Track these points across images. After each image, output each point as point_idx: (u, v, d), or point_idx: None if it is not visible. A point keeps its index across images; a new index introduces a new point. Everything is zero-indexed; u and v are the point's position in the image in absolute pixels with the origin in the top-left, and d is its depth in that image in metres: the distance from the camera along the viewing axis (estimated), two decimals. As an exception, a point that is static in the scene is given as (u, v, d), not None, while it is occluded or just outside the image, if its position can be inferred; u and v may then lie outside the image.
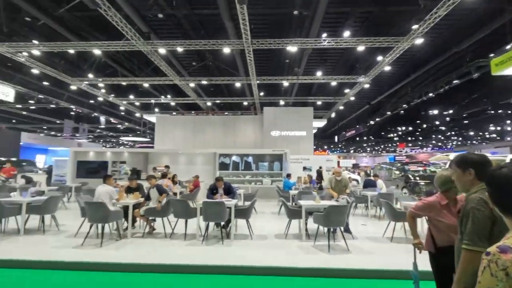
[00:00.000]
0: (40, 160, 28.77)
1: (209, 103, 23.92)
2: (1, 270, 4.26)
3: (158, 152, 13.81)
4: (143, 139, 32.06)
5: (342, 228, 5.58)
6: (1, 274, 4.11)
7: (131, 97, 21.62)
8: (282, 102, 23.10)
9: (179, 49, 14.17)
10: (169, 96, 22.35)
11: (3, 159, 15.84)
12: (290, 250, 5.12)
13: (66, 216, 7.64)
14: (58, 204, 6.19)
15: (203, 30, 14.47)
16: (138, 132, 34.12)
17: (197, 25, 13.94)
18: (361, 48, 12.48)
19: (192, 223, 6.28)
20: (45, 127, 34.23)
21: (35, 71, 15.68)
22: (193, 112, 25.02)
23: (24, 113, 27.60)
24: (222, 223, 5.86)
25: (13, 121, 32.09)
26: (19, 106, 22.90)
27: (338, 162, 27.34)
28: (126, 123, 28.06)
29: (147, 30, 13.55)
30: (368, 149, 57.23)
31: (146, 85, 18.61)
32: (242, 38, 12.28)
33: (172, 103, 23.60)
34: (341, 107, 23.77)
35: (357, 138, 40.21)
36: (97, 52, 14.27)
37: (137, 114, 25.33)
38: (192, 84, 18.87)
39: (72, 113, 28.97)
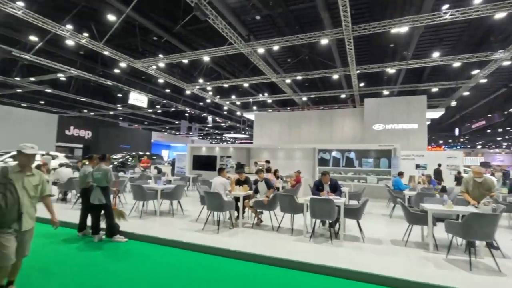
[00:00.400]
0: (165, 154, 34.64)
1: (304, 98, 23.60)
2: (143, 244, 5.15)
3: (258, 148, 14.45)
4: (243, 135, 34.41)
5: (485, 242, 4.43)
6: (142, 247, 4.97)
7: (233, 97, 23.38)
8: (386, 92, 20.71)
9: (275, 48, 14.41)
10: (266, 94, 23.14)
11: (141, 153, 19.81)
12: (414, 261, 4.37)
13: (187, 202, 8.77)
14: (182, 192, 7.14)
15: (298, 25, 14.27)
16: (238, 130, 36.86)
17: (292, 21, 13.83)
18: (501, 15, 9.79)
19: (298, 219, 6.19)
20: (167, 127, 41.00)
21: (160, 80, 18.70)
22: (288, 108, 25.22)
23: (153, 116, 33.71)
24: (330, 222, 5.53)
25: (145, 123, 39.73)
26: (150, 110, 27.94)
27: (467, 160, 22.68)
28: (229, 122, 30.65)
29: (247, 33, 14.32)
30: (505, 144, 45.32)
31: (246, 85, 19.75)
32: (342, 26, 11.47)
33: (269, 100, 24.34)
34: (466, 93, 19.55)
35: (488, 130, 32.45)
36: (206, 58, 15.91)
37: (238, 113, 27.29)
38: (288, 80, 18.96)
39: (187, 114, 33.63)
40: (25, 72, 20.24)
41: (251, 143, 30.37)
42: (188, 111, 27.27)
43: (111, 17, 13.76)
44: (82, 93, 25.12)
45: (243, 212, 6.55)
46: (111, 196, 5.38)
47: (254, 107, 26.13)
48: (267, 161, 12.19)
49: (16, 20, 15.98)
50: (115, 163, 14.75)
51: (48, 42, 15.70)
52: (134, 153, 16.62)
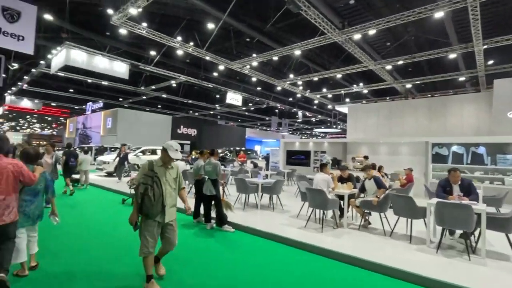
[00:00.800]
0: (257, 150, 36.34)
1: (408, 85, 20.61)
2: (248, 235, 5.27)
3: (356, 142, 13.32)
4: (334, 130, 32.80)
5: None
6: (248, 238, 5.07)
7: (324, 90, 22.41)
8: (526, 70, 16.04)
9: (371, 32, 12.93)
10: (361, 84, 21.26)
11: (237, 148, 21.25)
12: None
13: (284, 197, 8.73)
14: (282, 187, 7.10)
15: (398, 3, 12.38)
16: (329, 124, 35.34)
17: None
18: None
19: (417, 225, 5.28)
20: (259, 123, 42.82)
21: (253, 79, 19.44)
22: (387, 98, 22.56)
23: (246, 113, 35.70)
24: (465, 232, 4.46)
25: (239, 120, 42.53)
26: (244, 108, 29.62)
27: None
28: (319, 116, 29.66)
29: (340, 20, 13.33)
30: None
31: (339, 76, 18.55)
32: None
33: (365, 91, 22.30)
34: None
35: None
36: (297, 52, 15.61)
37: (329, 106, 26.07)
38: (388, 67, 16.85)
39: (277, 110, 34.28)
40: (147, 82, 24.40)
41: (343, 137, 28.62)
42: (279, 107, 27.65)
43: (210, 25, 15.05)
44: (188, 96, 28.68)
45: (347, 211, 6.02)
46: (220, 188, 5.74)
47: (347, 99, 24.43)
48: (365, 157, 11.09)
49: (141, 40, 19.37)
50: None
51: (163, 55, 18.36)
52: (231, 149, 17.95)
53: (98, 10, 18.26)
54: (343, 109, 22.99)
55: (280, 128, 34.38)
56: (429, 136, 13.18)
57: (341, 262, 4.15)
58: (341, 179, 6.22)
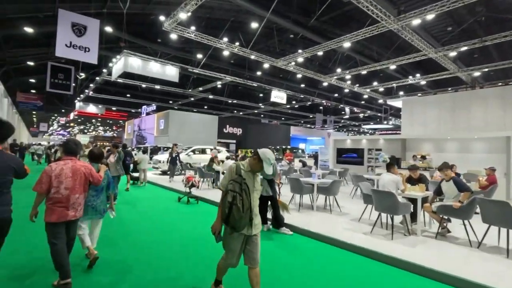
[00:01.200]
0: (301, 148, 35.55)
1: (476, 73, 18.20)
2: (307, 239, 4.91)
3: (417, 138, 12.00)
4: (384, 125, 30.56)
5: None
6: (307, 242, 4.71)
7: (375, 83, 20.89)
8: None
9: (430, 17, 11.54)
10: (418, 75, 19.35)
11: (284, 147, 20.94)
12: None
13: (339, 198, 8.17)
14: (339, 187, 6.59)
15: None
16: (378, 120, 33.06)
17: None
18: None
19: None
20: (302, 121, 41.87)
21: (298, 76, 18.88)
22: (449, 89, 20.21)
23: (289, 111, 35.13)
24: None
25: (282, 118, 42.08)
26: (288, 106, 29.11)
27: None
28: (368, 111, 27.88)
29: (394, 7, 12.18)
30: None
31: (393, 67, 17.08)
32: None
33: (422, 82, 20.27)
34: None
35: None
36: (346, 45, 14.70)
37: (380, 101, 24.29)
38: (453, 53, 14.99)
39: (321, 107, 33.12)
40: (195, 84, 25.33)
41: (394, 133, 26.47)
42: (324, 103, 26.60)
43: (254, 25, 14.96)
44: (232, 97, 29.14)
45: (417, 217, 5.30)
46: (276, 188, 5.47)
47: (401, 92, 22.48)
48: (423, 157, 9.95)
49: (188, 45, 20.14)
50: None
51: (209, 57, 18.80)
52: (278, 147, 17.62)
53: (150, 19, 19.42)
54: (396, 103, 21.15)
55: (325, 126, 33.13)
56: (505, 130, 11.34)
57: (417, 274, 3.58)
58: (410, 180, 5.51)
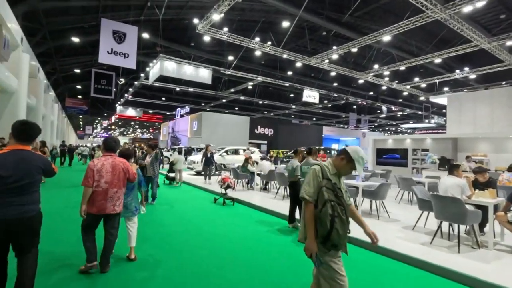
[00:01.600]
0: (334, 148, 34.28)
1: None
2: (357, 248, 4.42)
3: (471, 137, 10.76)
4: (425, 124, 28.40)
5: None
6: (358, 252, 4.20)
7: (416, 79, 19.41)
8: None
9: (479, 4, 10.31)
10: (466, 69, 17.62)
11: (317, 147, 20.18)
12: None
13: (386, 203, 7.48)
14: (387, 191, 5.97)
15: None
16: (416, 119, 30.84)
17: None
18: None
19: None
20: (334, 121, 40.45)
21: (332, 73, 18.10)
22: (503, 83, 18.16)
23: (321, 111, 34.10)
24: None
25: (314, 118, 41.01)
26: (320, 106, 28.21)
27: None
28: (408, 109, 26.08)
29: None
30: None
31: (438, 60, 15.71)
32: None
33: (472, 76, 18.43)
34: None
35: None
36: (386, 38, 13.72)
37: (421, 98, 22.56)
38: (510, 43, 13.38)
39: (354, 106, 31.68)
40: (226, 86, 25.51)
41: (437, 132, 24.46)
42: (359, 102, 25.34)
43: (285, 24, 14.59)
44: (263, 97, 28.93)
45: (483, 226, 4.57)
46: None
47: (445, 88, 20.67)
48: (468, 157, 8.82)
49: (219, 47, 20.31)
50: (290, 157, 15.52)
51: (240, 59, 18.76)
52: (311, 147, 17.05)
53: (184, 24, 19.92)
54: (439, 100, 19.47)
55: (360, 126, 31.62)
56: None
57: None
58: (476, 184, 4.77)
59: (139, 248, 3.88)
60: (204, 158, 10.98)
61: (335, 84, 24.42)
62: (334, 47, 14.86)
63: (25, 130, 2.39)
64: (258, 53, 16.33)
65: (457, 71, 18.01)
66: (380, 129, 41.67)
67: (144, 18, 17.06)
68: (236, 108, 36.77)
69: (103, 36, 12.15)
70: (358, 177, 6.23)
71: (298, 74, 23.05)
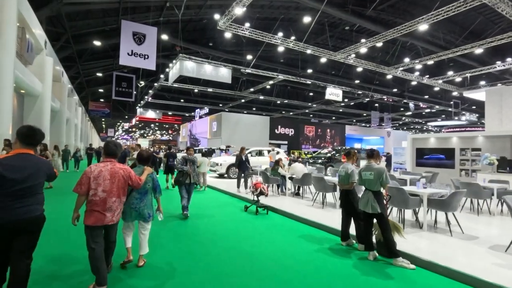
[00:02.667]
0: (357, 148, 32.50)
1: None
2: (427, 273, 3.39)
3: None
4: (455, 122, 26.36)
5: None
6: (431, 279, 3.17)
7: (450, 72, 17.79)
8: None
9: None
10: (510, 59, 15.88)
11: (345, 147, 18.93)
12: None
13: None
14: (460, 201, 4.83)
15: None
16: (443, 116, 28.77)
17: None
18: None
19: None
20: (354, 120, 38.74)
21: (359, 69, 16.84)
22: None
23: (340, 110, 32.63)
24: None
25: (333, 117, 39.49)
26: (342, 104, 26.83)
27: None
28: (437, 106, 24.25)
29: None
30: None
31: (479, 51, 14.14)
32: None
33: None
34: None
35: None
36: (422, 27, 12.36)
37: (454, 93, 20.78)
38: None
39: (376, 104, 30.02)
40: (244, 87, 24.72)
41: (465, 129, 22.55)
42: (385, 99, 23.78)
43: (306, 19, 13.64)
44: (281, 97, 27.92)
45: None
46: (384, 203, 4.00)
47: (482, 82, 18.86)
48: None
49: (237, 47, 19.55)
50: (322, 158, 14.28)
51: (259, 58, 17.95)
52: (339, 147, 15.59)
53: (202, 24, 19.36)
54: (475, 95, 17.70)
55: (383, 124, 29.93)
56: None
57: None
58: None
59: (159, 260, 3.61)
60: (238, 163, 9.31)
61: (357, 81, 23.05)
62: (363, 40, 13.65)
63: (31, 135, 2.46)
64: (278, 50, 15.40)
65: (498, 62, 16.26)
66: (405, 128, 39.41)
67: (163, 19, 16.65)
68: (254, 109, 35.92)
69: (123, 37, 11.81)
70: (419, 183, 5.12)
71: (318, 72, 21.90)
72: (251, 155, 12.76)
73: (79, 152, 17.89)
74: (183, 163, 5.76)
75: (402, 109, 33.05)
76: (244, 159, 8.94)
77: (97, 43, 17.61)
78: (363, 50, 13.94)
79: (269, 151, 12.57)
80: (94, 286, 2.71)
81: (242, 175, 9.04)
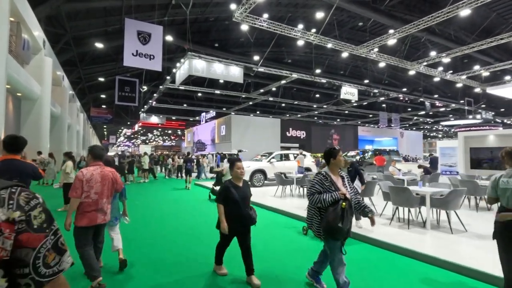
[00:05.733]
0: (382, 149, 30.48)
1: None
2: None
3: None
4: (470, 121, 25.06)
5: None
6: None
7: (476, 67, 16.49)
8: None
9: None
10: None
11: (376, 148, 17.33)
12: None
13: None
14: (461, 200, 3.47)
15: None
16: (457, 116, 27.48)
17: None
18: None
19: None
20: (359, 122, 37.43)
21: (381, 64, 15.50)
22: None
23: (346, 112, 31.29)
24: None
25: (338, 120, 38.18)
26: (355, 104, 25.44)
27: None
28: (453, 105, 22.96)
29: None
30: None
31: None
32: None
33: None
34: None
35: None
36: (464, 13, 10.97)
37: (477, 90, 19.47)
38: None
39: (384, 105, 28.74)
40: (252, 88, 23.34)
41: (479, 128, 21.28)
42: (401, 98, 22.46)
43: (319, 14, 12.43)
44: (288, 99, 26.57)
45: None
46: None
47: (507, 77, 17.58)
48: None
49: (245, 49, 18.23)
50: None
51: (266, 59, 16.76)
52: (369, 150, 13.88)
53: (208, 25, 18.16)
54: (498, 91, 16.42)
55: (392, 125, 28.61)
56: None
57: None
58: None
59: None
60: (303, 172, 7.71)
61: (366, 81, 21.76)
62: (391, 31, 12.24)
63: (13, 143, 2.79)
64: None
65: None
66: (414, 128, 37.90)
67: (168, 18, 15.40)
68: (258, 112, 34.54)
69: (127, 37, 10.65)
70: (421, 182, 3.87)
71: (325, 73, 20.70)
72: (275, 160, 11.04)
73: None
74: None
75: (409, 109, 31.79)
76: (304, 166, 7.09)
77: (99, 45, 16.28)
78: (390, 42, 12.50)
79: (295, 155, 10.92)
80: (94, 283, 2.73)
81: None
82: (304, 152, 10.72)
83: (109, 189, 2.99)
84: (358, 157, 13.47)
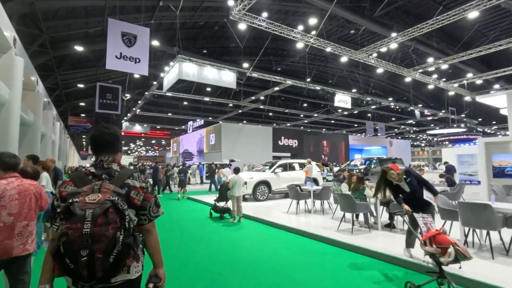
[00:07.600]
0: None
1: None
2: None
3: None
4: (458, 129, 25.34)
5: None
6: None
7: (469, 75, 16.42)
8: None
9: None
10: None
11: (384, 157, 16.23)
12: None
13: None
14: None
15: None
16: (443, 125, 27.85)
17: None
18: None
19: None
20: (344, 131, 37.22)
21: (379, 70, 15.00)
22: None
23: (332, 121, 30.91)
24: None
25: (323, 130, 37.79)
26: (345, 113, 24.93)
27: None
28: (441, 113, 23.06)
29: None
30: None
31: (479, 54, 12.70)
32: None
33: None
34: None
35: None
36: (472, 15, 10.57)
37: (467, 98, 19.52)
38: None
39: (369, 114, 28.63)
40: (242, 96, 22.29)
41: (464, 138, 21.46)
42: (392, 106, 22.19)
43: (312, 21, 11.78)
44: (271, 108, 25.76)
45: None
46: None
47: (496, 86, 17.71)
48: None
49: (236, 56, 17.28)
50: (356, 171, 11.45)
51: (254, 67, 15.87)
52: (375, 158, 12.90)
53: (195, 32, 17.12)
54: (487, 100, 16.37)
55: (378, 134, 28.47)
56: None
57: None
58: None
59: None
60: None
61: (354, 90, 21.45)
62: (394, 34, 11.66)
63: None
64: (273, 59, 13.09)
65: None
66: (399, 137, 38.28)
67: (154, 21, 14.18)
68: (245, 122, 33.45)
69: (110, 38, 9.51)
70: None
71: (314, 82, 20.21)
72: (280, 170, 9.65)
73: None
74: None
75: (393, 118, 31.95)
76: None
77: (78, 48, 14.66)
78: (392, 45, 11.92)
79: (302, 165, 9.64)
80: None
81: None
82: (312, 162, 9.52)
83: (32, 208, 2.33)
84: (361, 167, 12.45)
